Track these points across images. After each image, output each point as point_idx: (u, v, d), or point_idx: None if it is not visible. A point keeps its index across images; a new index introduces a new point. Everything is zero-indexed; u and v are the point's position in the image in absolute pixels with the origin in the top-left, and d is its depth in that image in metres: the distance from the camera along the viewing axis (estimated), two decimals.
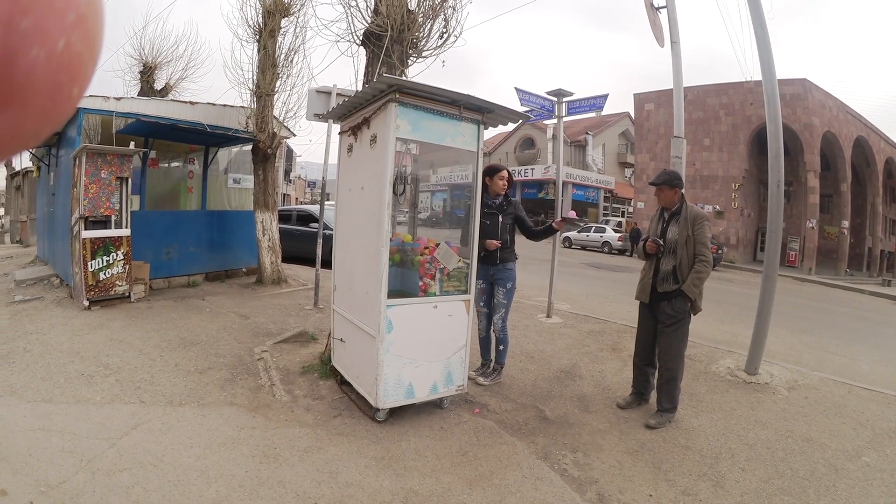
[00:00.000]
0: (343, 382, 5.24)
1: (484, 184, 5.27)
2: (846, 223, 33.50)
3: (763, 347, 6.36)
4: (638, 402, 5.25)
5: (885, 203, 39.09)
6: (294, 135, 11.06)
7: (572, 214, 5.49)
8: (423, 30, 5.95)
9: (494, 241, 5.25)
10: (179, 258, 10.07)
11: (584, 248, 32.68)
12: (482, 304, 5.61)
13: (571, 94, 8.63)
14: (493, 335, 5.68)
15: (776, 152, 6.22)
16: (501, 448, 4.27)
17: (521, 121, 4.96)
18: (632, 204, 41.35)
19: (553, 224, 5.50)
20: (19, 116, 0.45)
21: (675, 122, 7.13)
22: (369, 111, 4.59)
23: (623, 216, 45.99)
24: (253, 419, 4.49)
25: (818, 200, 30.87)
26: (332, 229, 13.34)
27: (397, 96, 4.13)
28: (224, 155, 12.39)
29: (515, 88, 8.37)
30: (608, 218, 43.38)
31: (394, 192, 4.25)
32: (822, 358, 8.17)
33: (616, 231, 32.66)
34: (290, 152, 57.00)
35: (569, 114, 8.63)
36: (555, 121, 8.82)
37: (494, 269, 5.44)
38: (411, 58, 5.95)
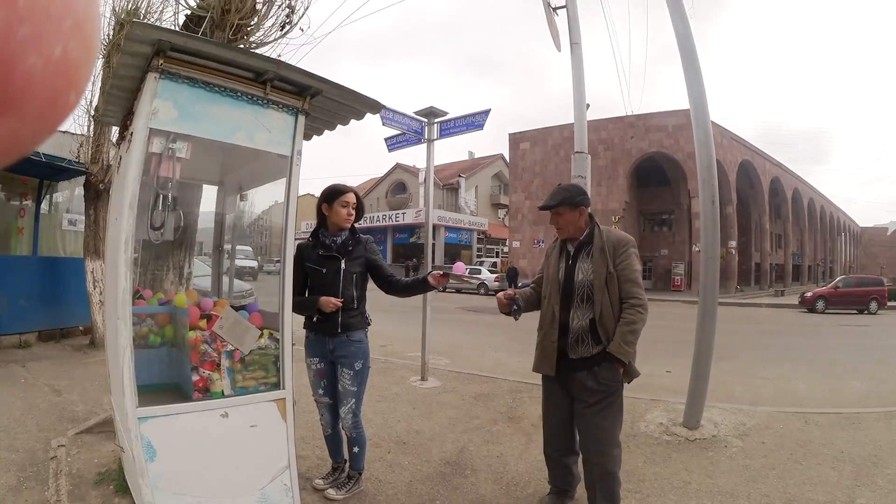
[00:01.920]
0: None
1: (321, 214, 3.72)
2: (733, 243, 34.85)
3: (705, 395, 5.28)
4: (562, 503, 3.75)
5: (771, 220, 41.91)
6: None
7: (461, 269, 3.83)
8: (256, 15, 4.56)
9: (333, 300, 3.54)
10: (10, 313, 8.29)
11: (458, 290, 31.65)
12: (321, 391, 3.86)
13: (444, 113, 7.25)
14: (343, 433, 3.96)
15: (708, 162, 5.40)
16: None
17: (368, 113, 3.36)
18: (507, 244, 41.28)
19: (429, 279, 3.60)
20: (18, 123, 0.45)
21: (577, 136, 5.88)
22: (136, 99, 2.88)
23: (497, 256, 46.06)
24: None
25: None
26: None
27: (161, 63, 2.46)
28: (67, 191, 10.72)
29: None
30: (482, 259, 43.21)
31: (151, 224, 2.57)
32: (755, 386, 7.51)
33: (492, 272, 32.12)
34: None
35: (442, 136, 7.22)
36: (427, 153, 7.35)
37: (335, 341, 3.68)
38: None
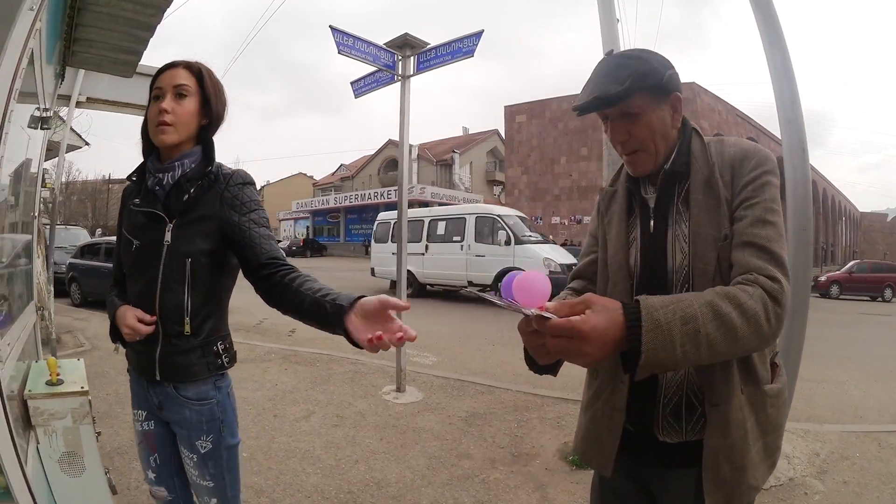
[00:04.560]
0: None
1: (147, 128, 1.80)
2: None
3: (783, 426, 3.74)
4: None
5: None
6: (87, 143, 8.43)
7: (535, 286, 1.14)
8: None
9: (131, 318, 1.68)
10: None
11: None
12: (151, 473, 1.94)
13: (425, 43, 5.52)
14: None
15: (791, 97, 3.78)
16: None
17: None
18: None
19: (348, 321, 1.36)
20: None
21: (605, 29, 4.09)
22: None
23: None
24: None
25: None
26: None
27: None
28: None
29: (331, 28, 5.14)
30: None
31: None
32: (806, 392, 6.18)
33: None
34: None
35: (420, 69, 5.49)
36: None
37: (158, 393, 1.80)
38: None
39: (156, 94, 1.70)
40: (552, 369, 1.32)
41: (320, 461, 3.83)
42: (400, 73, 5.53)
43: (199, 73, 1.75)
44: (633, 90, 1.32)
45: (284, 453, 3.92)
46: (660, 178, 1.44)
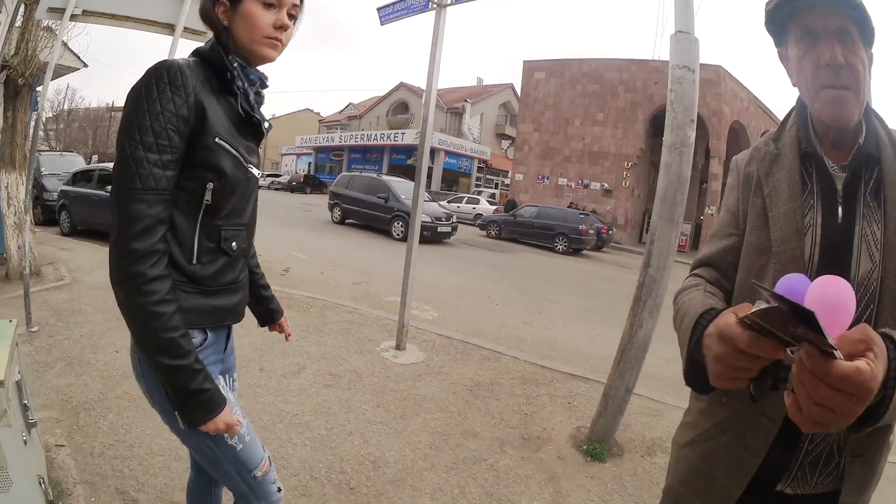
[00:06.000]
0: None
1: (214, 19, 1.39)
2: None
3: None
4: None
5: None
6: (85, 65, 8.35)
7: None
8: None
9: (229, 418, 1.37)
10: None
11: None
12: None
13: None
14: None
15: None
16: None
17: None
18: (508, 176, 38.94)
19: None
20: None
21: (679, 10, 3.50)
22: None
23: (497, 188, 44.07)
24: None
25: (720, 188, 29.47)
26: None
27: None
28: None
29: None
30: (481, 189, 41.12)
31: None
32: None
33: (490, 203, 29.93)
34: None
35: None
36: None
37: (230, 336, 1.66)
38: None
39: (269, 2, 1.40)
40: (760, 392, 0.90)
41: (310, 429, 3.41)
42: (436, 1, 4.96)
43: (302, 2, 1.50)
44: (867, 12, 1.02)
45: (270, 417, 3.49)
46: (853, 154, 1.08)
